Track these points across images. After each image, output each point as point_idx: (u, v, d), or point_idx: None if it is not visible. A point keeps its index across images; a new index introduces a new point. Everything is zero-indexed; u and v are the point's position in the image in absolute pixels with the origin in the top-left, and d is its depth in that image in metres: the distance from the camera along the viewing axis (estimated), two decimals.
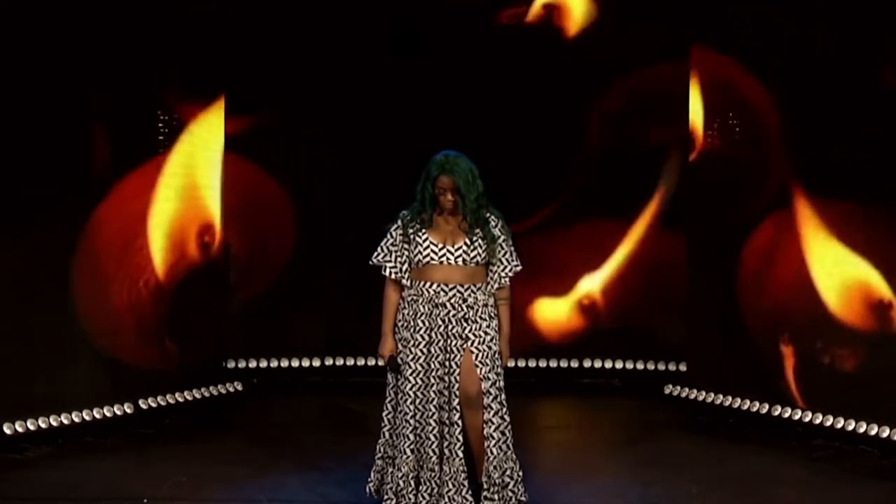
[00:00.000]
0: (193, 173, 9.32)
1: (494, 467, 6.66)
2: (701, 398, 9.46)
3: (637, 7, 10.14)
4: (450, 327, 6.64)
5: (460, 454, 6.62)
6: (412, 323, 6.67)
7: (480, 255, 6.65)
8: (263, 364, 10.12)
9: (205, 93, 9.35)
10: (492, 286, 6.70)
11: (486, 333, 6.66)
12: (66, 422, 8.45)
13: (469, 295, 6.66)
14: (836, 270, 8.61)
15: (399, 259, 6.68)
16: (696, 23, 9.57)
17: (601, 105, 10.28)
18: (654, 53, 10.07)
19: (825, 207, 8.67)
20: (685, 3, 9.70)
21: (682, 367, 9.98)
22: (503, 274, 6.70)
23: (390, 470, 6.75)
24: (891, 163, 8.26)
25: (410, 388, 6.65)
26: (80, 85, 8.48)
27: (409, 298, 6.69)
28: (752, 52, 9.06)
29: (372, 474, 6.85)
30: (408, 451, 6.66)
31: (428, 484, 6.65)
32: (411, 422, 6.65)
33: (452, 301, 6.64)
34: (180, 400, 9.22)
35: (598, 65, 10.17)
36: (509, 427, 6.68)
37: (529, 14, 10.30)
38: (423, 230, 6.66)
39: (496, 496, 6.66)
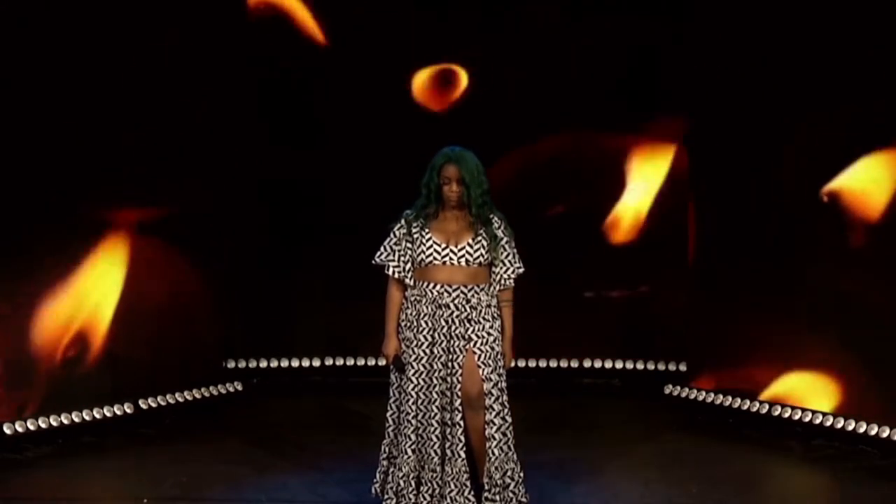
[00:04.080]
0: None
1: (496, 468, 6.65)
2: (701, 398, 9.46)
3: (544, 70, 9.99)
4: (453, 328, 6.62)
5: (462, 455, 6.61)
6: (415, 323, 6.65)
7: (483, 256, 6.64)
8: (263, 364, 10.09)
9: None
10: (495, 287, 6.69)
11: (488, 334, 6.65)
12: (66, 422, 8.45)
13: (472, 296, 6.64)
14: None
15: (402, 258, 6.65)
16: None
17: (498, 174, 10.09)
18: (555, 120, 10.01)
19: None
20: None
21: (682, 367, 9.98)
22: (506, 275, 6.67)
23: (392, 470, 6.75)
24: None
25: (412, 389, 6.64)
26: None
27: (413, 299, 6.67)
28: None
29: (377, 475, 6.83)
30: (409, 451, 6.65)
31: (430, 484, 6.64)
32: (413, 422, 6.64)
33: (456, 302, 6.62)
34: (180, 400, 9.22)
35: (494, 135, 9.78)
36: (511, 428, 6.67)
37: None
38: (427, 229, 6.64)
39: (497, 497, 6.66)
